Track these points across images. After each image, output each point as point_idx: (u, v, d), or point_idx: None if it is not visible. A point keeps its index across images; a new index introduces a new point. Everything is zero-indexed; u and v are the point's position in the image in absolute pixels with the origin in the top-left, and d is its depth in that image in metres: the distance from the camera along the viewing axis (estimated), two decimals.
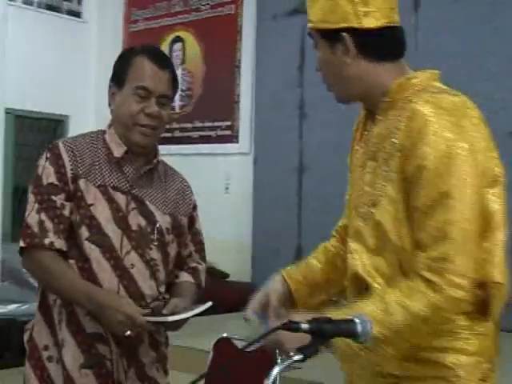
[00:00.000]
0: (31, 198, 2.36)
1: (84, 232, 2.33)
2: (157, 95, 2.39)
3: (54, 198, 2.33)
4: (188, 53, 8.50)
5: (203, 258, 2.64)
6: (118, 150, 2.42)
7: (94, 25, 9.01)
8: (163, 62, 2.45)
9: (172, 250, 2.48)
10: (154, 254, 2.40)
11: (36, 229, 2.32)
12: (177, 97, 8.54)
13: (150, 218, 2.41)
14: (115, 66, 2.50)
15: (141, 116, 2.39)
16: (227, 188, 8.07)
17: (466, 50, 6.35)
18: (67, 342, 2.34)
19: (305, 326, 1.54)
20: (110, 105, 2.48)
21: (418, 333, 1.72)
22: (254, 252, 7.66)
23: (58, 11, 8.86)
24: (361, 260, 1.86)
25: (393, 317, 1.70)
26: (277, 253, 7.13)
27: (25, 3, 8.55)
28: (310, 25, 1.92)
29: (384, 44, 1.88)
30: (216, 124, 8.19)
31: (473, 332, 1.81)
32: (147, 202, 2.43)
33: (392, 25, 1.87)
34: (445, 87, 1.88)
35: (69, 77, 8.33)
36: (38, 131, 8.56)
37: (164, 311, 2.33)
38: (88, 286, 2.30)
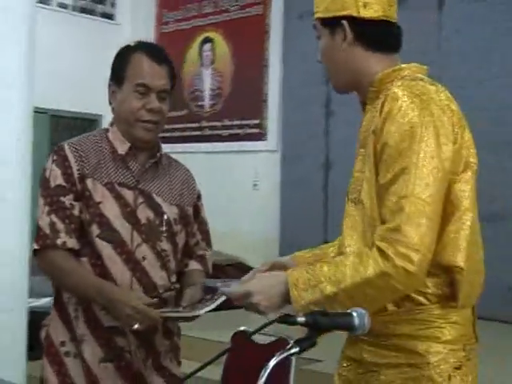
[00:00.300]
0: (41, 201, 2.40)
1: (95, 230, 2.36)
2: (157, 91, 2.41)
3: (62, 199, 2.37)
4: (217, 53, 8.65)
5: (209, 245, 2.68)
6: (122, 147, 2.45)
7: (126, 26, 9.21)
8: (160, 57, 2.46)
9: (180, 239, 2.52)
10: (165, 245, 2.44)
11: (48, 230, 2.35)
12: (207, 95, 8.72)
13: (157, 211, 2.44)
14: (113, 65, 2.51)
15: (142, 112, 2.41)
16: (255, 185, 8.18)
17: (490, 48, 6.37)
18: (86, 337, 2.37)
19: (301, 319, 1.57)
20: (110, 103, 2.51)
21: (365, 295, 1.75)
22: (281, 247, 7.74)
23: (92, 14, 9.07)
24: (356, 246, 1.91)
25: (344, 277, 1.75)
26: (303, 248, 7.18)
27: (59, 6, 8.77)
28: (314, 16, 2.05)
29: (379, 35, 1.98)
30: (244, 122, 8.33)
31: (446, 321, 1.84)
32: (154, 195, 2.46)
33: (389, 19, 1.99)
34: (427, 78, 1.94)
35: (102, 77, 8.43)
36: (73, 130, 8.78)
37: (183, 304, 2.35)
38: (99, 281, 2.34)
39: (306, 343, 1.57)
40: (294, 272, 1.83)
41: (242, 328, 3.14)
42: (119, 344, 2.37)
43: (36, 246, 2.37)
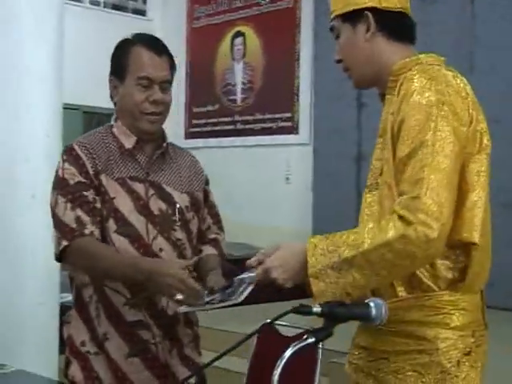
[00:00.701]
0: (60, 199, 2.38)
1: (112, 225, 2.38)
2: (159, 82, 2.43)
3: (85, 193, 2.37)
4: (248, 47, 8.66)
5: (221, 229, 2.68)
6: (129, 141, 2.46)
7: (158, 22, 9.26)
8: (159, 48, 2.47)
9: (194, 226, 2.54)
10: (179, 234, 2.46)
11: (74, 224, 2.35)
12: (239, 89, 8.73)
13: (169, 201, 2.46)
14: (113, 59, 2.53)
15: (146, 104, 2.42)
16: (288, 178, 8.19)
17: None
18: (110, 334, 2.38)
19: (317, 309, 1.58)
20: (112, 98, 2.52)
21: (383, 260, 1.75)
22: None
23: (123, 10, 9.13)
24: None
25: (363, 241, 1.76)
26: None
27: (91, 4, 8.85)
28: (332, 15, 2.08)
29: (398, 25, 2.03)
30: (276, 116, 8.32)
31: (455, 307, 1.87)
32: (164, 186, 2.47)
33: (405, 11, 2.04)
34: (444, 65, 1.97)
35: None
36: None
37: (206, 293, 2.29)
38: (134, 258, 2.35)
39: (321, 333, 1.59)
40: (313, 239, 1.84)
41: (268, 320, 3.14)
42: (144, 337, 2.39)
43: (65, 243, 2.35)
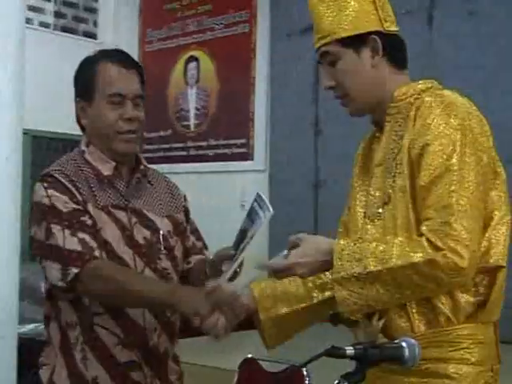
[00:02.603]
0: (54, 228, 2.21)
1: (104, 257, 2.26)
2: (131, 97, 2.31)
3: (83, 218, 2.22)
4: (202, 72, 8.55)
5: (205, 246, 2.61)
6: (106, 167, 2.33)
7: (109, 45, 9.09)
8: (127, 61, 2.35)
9: (178, 251, 2.45)
10: (164, 263, 2.37)
11: (80, 248, 2.18)
12: (192, 115, 8.61)
13: (152, 228, 2.36)
14: (78, 79, 2.37)
15: (120, 123, 2.30)
16: (243, 205, 8.08)
17: (481, 64, 6.35)
18: (101, 378, 2.24)
19: (350, 351, 1.53)
20: (78, 122, 2.37)
21: (409, 280, 1.72)
22: None
23: (74, 33, 8.95)
24: None
25: (390, 257, 1.73)
26: None
27: (41, 26, 8.65)
28: (325, 40, 1.97)
29: (399, 49, 2.01)
30: (231, 142, 8.22)
31: (474, 341, 1.83)
32: (145, 211, 2.36)
33: (400, 35, 2.01)
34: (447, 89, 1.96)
35: None
36: (55, 151, 8.63)
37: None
38: (167, 283, 2.27)
39: (354, 377, 1.51)
40: (342, 242, 1.83)
41: (249, 355, 3.07)
42: (136, 379, 2.27)
43: (76, 270, 2.15)
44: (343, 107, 2.07)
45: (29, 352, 5.14)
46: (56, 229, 2.20)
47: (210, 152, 8.41)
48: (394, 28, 1.97)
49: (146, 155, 9.12)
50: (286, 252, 1.98)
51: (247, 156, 8.12)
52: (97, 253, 2.19)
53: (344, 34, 1.93)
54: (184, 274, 2.50)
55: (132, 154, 2.38)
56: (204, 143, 8.45)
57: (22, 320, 6.03)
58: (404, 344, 1.56)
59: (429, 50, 6.59)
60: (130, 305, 2.24)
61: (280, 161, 7.76)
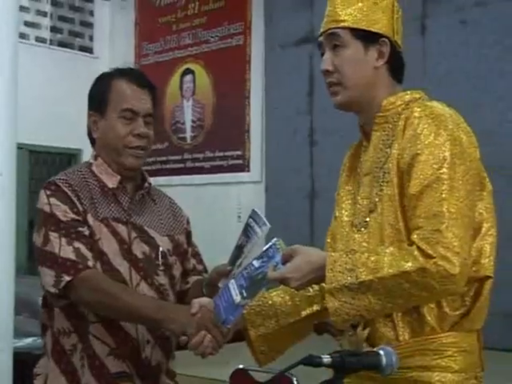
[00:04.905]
0: (51, 235, 2.23)
1: (98, 268, 2.25)
2: (143, 115, 2.34)
3: (81, 229, 2.24)
4: (198, 84, 8.60)
5: (205, 269, 2.57)
6: (111, 181, 2.35)
7: (105, 60, 9.13)
8: (142, 81, 2.38)
9: (177, 271, 2.44)
10: (162, 279, 2.36)
11: (74, 257, 2.20)
12: (188, 127, 8.64)
13: (152, 244, 2.36)
14: (92, 93, 2.41)
15: (130, 138, 2.32)
16: (239, 216, 8.10)
17: (474, 73, 6.39)
18: None
19: (327, 360, 1.52)
20: (89, 134, 2.40)
21: (401, 289, 1.73)
22: None
23: (70, 48, 9.00)
24: None
25: (382, 267, 1.73)
26: None
27: (37, 41, 8.70)
28: (341, 24, 1.97)
29: (401, 65, 2.01)
30: (227, 153, 8.26)
31: (458, 349, 1.83)
32: (146, 228, 2.37)
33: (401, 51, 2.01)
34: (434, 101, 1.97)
35: (81, 111, 8.37)
36: (52, 165, 8.67)
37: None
38: (154, 299, 2.27)
39: None
40: (334, 254, 1.81)
41: (240, 366, 3.05)
42: None
43: (68, 278, 2.17)
44: (332, 98, 2.04)
45: (25, 366, 5.14)
46: (53, 236, 2.23)
47: (207, 164, 8.45)
48: (400, 42, 1.98)
49: (143, 168, 9.09)
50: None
51: (243, 167, 8.15)
52: (90, 263, 2.21)
53: (357, 26, 1.94)
54: (181, 295, 2.49)
55: (137, 170, 2.38)
56: (200, 155, 8.49)
57: (19, 334, 6.03)
58: (381, 352, 1.56)
59: (421, 58, 6.63)
60: (120, 317, 2.25)
61: (276, 172, 7.80)
